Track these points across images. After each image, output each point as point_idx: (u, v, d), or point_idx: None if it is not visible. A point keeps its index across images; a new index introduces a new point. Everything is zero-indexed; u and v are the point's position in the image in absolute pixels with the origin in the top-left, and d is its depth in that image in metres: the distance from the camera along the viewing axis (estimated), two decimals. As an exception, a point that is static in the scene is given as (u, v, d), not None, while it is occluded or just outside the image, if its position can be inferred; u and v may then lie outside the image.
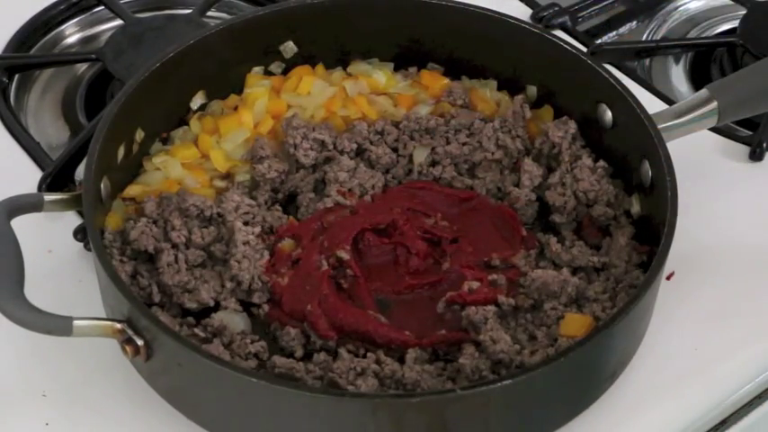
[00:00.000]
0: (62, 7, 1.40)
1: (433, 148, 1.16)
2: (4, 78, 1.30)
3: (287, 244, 1.09)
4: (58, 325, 0.93)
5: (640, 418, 1.02)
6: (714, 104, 1.11)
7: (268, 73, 1.22)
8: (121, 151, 1.10)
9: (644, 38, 1.43)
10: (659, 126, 1.08)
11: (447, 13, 1.20)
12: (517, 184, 1.14)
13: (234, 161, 1.15)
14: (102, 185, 1.05)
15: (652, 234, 1.04)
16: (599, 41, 1.39)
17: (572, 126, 1.15)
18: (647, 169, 1.08)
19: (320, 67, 1.22)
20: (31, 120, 1.31)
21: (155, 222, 1.08)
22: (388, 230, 1.10)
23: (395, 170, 1.16)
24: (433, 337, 1.02)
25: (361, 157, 1.16)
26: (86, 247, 1.11)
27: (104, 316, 1.02)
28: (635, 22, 1.45)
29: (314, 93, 1.20)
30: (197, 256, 1.07)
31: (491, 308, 1.03)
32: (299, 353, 1.02)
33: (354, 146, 1.16)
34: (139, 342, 0.95)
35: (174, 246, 1.07)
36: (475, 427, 0.94)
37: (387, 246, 1.09)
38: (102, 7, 1.40)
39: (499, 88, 1.22)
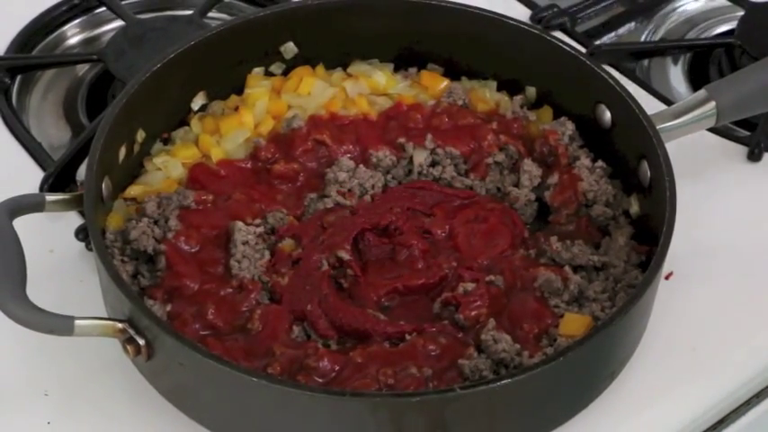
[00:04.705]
0: (64, 8, 1.40)
1: (432, 149, 1.16)
2: (6, 79, 1.31)
3: (287, 244, 1.09)
4: (59, 324, 0.94)
5: (639, 417, 1.02)
6: (712, 105, 1.12)
7: (269, 73, 1.22)
8: (123, 151, 1.10)
9: (642, 39, 1.43)
10: (658, 126, 1.08)
11: (447, 14, 1.20)
12: (517, 185, 1.15)
13: (234, 161, 1.15)
14: (103, 186, 1.05)
15: (651, 234, 1.04)
16: (598, 42, 1.39)
17: (570, 126, 1.16)
18: (645, 169, 1.08)
19: (320, 68, 1.23)
20: (33, 120, 1.31)
21: (156, 222, 1.08)
22: (388, 230, 1.10)
23: (395, 170, 1.16)
24: (432, 326, 1.02)
25: (362, 158, 1.17)
26: (88, 246, 1.12)
27: (106, 316, 1.02)
28: (634, 24, 1.45)
29: (314, 93, 1.20)
30: (198, 256, 1.08)
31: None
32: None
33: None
34: (141, 342, 0.95)
35: (175, 246, 1.07)
36: (475, 426, 0.94)
37: (387, 246, 1.09)
38: (104, 8, 1.40)
39: (498, 89, 1.22)
